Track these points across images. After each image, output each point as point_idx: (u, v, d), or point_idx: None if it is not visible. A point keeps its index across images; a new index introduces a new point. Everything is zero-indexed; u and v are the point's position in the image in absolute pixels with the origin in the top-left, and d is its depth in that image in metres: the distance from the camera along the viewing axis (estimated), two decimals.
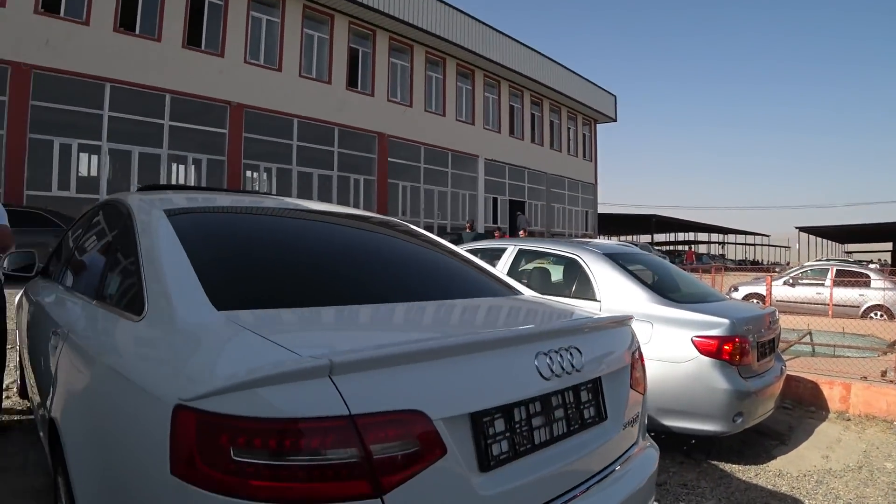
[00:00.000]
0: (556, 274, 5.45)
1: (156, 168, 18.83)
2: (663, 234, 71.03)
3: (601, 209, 40.70)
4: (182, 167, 20.19)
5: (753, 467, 4.45)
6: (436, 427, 1.47)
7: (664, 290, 4.90)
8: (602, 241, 6.40)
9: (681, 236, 74.53)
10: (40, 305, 3.10)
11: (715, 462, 4.49)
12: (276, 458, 1.29)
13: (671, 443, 4.46)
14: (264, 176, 22.22)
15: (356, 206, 23.47)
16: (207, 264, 1.97)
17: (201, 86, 19.53)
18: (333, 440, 1.33)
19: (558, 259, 5.40)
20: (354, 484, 1.34)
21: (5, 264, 3.66)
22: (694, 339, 4.22)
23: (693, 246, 69.40)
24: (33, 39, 16.90)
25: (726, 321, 4.26)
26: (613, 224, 54.10)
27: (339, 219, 3.14)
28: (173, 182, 20.34)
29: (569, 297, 4.83)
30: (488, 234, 15.39)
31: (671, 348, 4.26)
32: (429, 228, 25.12)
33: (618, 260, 4.98)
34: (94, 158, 18.42)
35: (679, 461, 4.46)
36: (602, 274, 4.84)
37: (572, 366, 1.89)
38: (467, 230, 16.42)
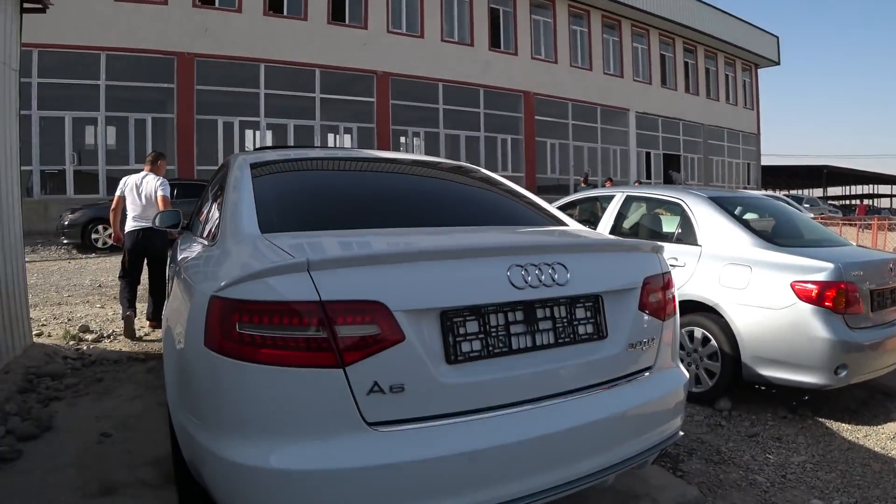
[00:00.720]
0: (662, 219, 5.30)
1: (310, 139, 18.98)
2: (838, 188, 62.76)
3: (765, 161, 36.37)
4: (336, 136, 20.15)
5: (864, 428, 4.06)
6: (395, 317, 1.74)
7: (775, 235, 4.64)
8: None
9: (857, 189, 65.47)
10: (174, 250, 3.74)
11: (823, 419, 4.17)
12: (264, 331, 1.70)
13: (778, 396, 4.38)
14: (414, 140, 21.69)
15: (504, 166, 22.46)
16: (267, 202, 2.43)
17: (348, 58, 19.46)
18: (306, 320, 1.69)
19: (663, 204, 5.22)
20: (323, 355, 1.69)
21: (157, 222, 4.19)
22: (793, 284, 3.94)
23: (874, 200, 60.71)
24: (194, 30, 17.58)
25: (830, 266, 3.91)
26: (779, 176, 48.33)
27: (398, 164, 3.44)
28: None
29: (671, 241, 4.66)
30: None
31: (769, 294, 4.02)
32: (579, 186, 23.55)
33: (723, 203, 4.72)
34: (255, 133, 18.82)
35: (782, 415, 4.22)
36: (704, 217, 4.62)
37: (553, 279, 1.99)
38: (583, 184, 14.97)
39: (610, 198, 5.51)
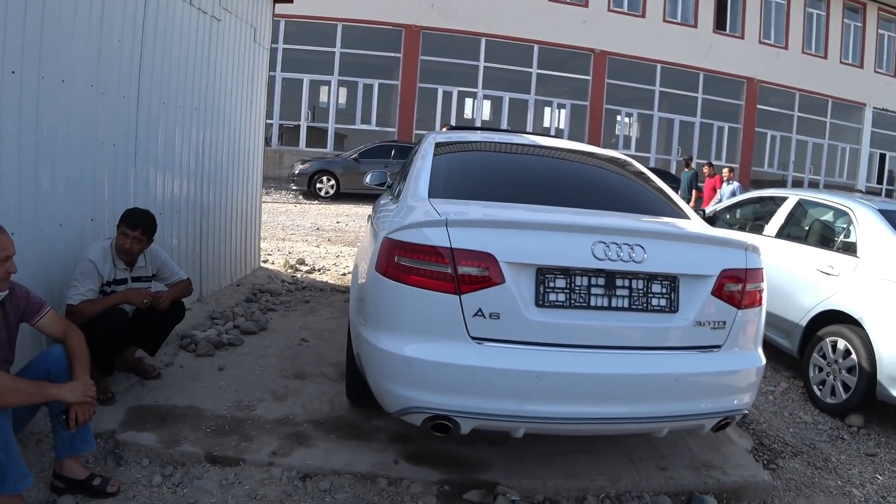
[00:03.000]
0: (828, 227, 4.92)
1: (524, 113, 18.26)
2: None
3: None
4: (549, 110, 19.20)
5: None
6: (500, 266, 2.29)
7: None
8: None
9: None
10: (375, 204, 4.21)
11: None
12: (413, 263, 2.32)
13: None
14: (626, 120, 20.10)
15: (718, 154, 20.14)
16: (438, 173, 3.02)
17: (566, 35, 18.45)
18: (441, 259, 2.29)
19: (832, 211, 4.87)
20: (447, 285, 2.28)
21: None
22: None
23: None
24: (422, 4, 17.56)
25: None
26: None
27: (554, 150, 3.80)
28: (544, 125, 19.62)
29: (832, 249, 4.50)
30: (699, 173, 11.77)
31: None
32: (797, 184, 20.52)
33: (892, 217, 4.28)
34: (473, 102, 18.45)
35: None
36: (867, 229, 4.28)
37: (630, 257, 2.36)
38: (686, 169, 12.81)
39: (784, 199, 5.31)
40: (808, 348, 4.34)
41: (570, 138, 18.95)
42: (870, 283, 4.00)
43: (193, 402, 3.14)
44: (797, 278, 4.58)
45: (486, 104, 18.45)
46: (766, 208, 5.49)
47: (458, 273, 2.27)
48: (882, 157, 23.49)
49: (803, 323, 4.40)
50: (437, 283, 2.29)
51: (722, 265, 2.52)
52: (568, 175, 3.46)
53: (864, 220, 4.34)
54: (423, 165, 3.11)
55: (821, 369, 4.22)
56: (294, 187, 14.11)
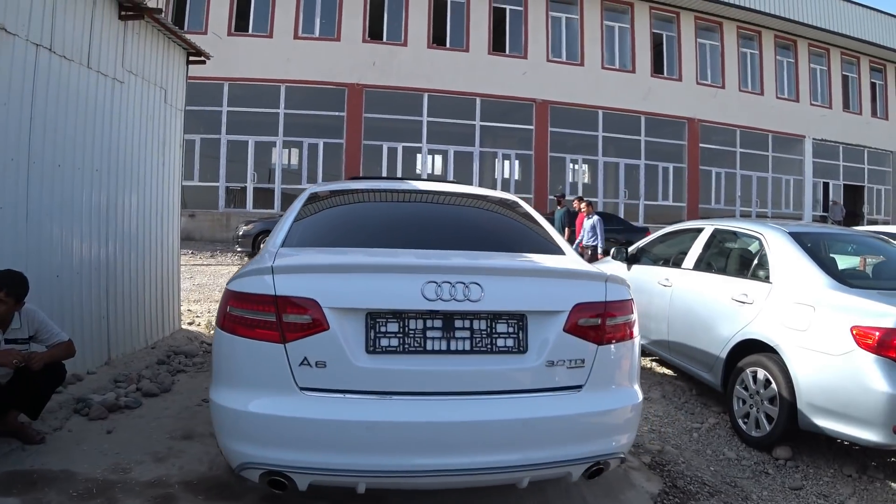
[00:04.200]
0: (742, 254, 4.91)
1: (470, 165, 18.44)
2: None
3: None
4: (497, 162, 19.34)
5: None
6: (324, 312, 2.22)
7: (862, 277, 4.49)
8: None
9: None
10: None
11: (890, 482, 3.67)
12: (242, 313, 2.30)
13: (857, 453, 3.93)
14: (572, 167, 20.30)
15: (665, 195, 20.57)
16: (301, 224, 2.97)
17: (508, 87, 18.81)
18: (265, 307, 2.25)
19: (744, 238, 4.89)
20: (272, 334, 2.23)
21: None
22: (853, 328, 3.45)
23: None
24: (363, 63, 17.83)
25: None
26: None
27: (433, 195, 3.71)
28: (494, 176, 19.79)
29: (746, 277, 4.43)
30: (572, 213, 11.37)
31: (828, 338, 3.58)
32: (745, 216, 20.81)
33: (803, 239, 4.28)
34: (417, 157, 18.52)
35: (847, 474, 3.74)
36: (778, 253, 4.22)
37: (465, 296, 2.27)
38: (558, 207, 12.58)
39: (700, 230, 5.27)
40: (731, 381, 4.23)
41: (518, 188, 19.15)
42: (783, 309, 3.92)
43: (69, 467, 3.07)
44: (715, 309, 4.52)
45: (430, 158, 18.49)
46: (685, 241, 5.46)
47: (282, 321, 2.22)
48: (825, 185, 24.05)
49: (723, 355, 4.31)
50: (263, 333, 2.24)
51: (575, 299, 2.41)
52: (436, 218, 3.38)
53: (775, 245, 4.29)
54: (288, 216, 3.06)
55: (744, 402, 4.10)
56: (239, 249, 13.98)
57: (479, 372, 2.30)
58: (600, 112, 19.87)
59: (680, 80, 21.07)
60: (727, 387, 4.29)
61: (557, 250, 2.95)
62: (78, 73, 4.56)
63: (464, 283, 2.27)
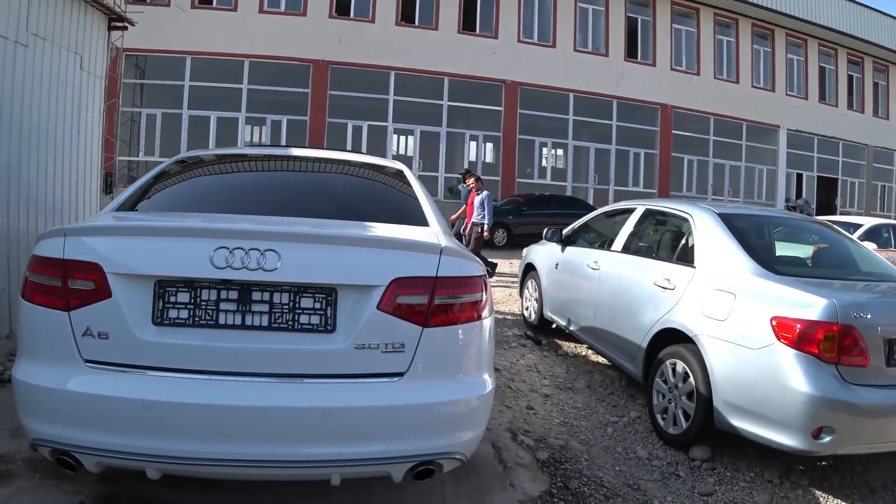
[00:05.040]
0: (669, 236, 4.62)
1: (437, 145, 18.20)
2: None
3: None
4: (466, 143, 19.04)
5: None
6: (107, 278, 2.03)
7: (796, 263, 4.18)
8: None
9: None
10: None
11: (821, 493, 3.28)
12: (35, 278, 2.12)
13: (785, 457, 3.40)
14: (542, 150, 20.05)
15: (635, 181, 20.44)
16: (146, 189, 2.81)
17: (477, 67, 18.57)
18: (53, 272, 2.08)
19: (673, 219, 4.58)
20: (57, 301, 2.06)
21: None
22: (773, 319, 3.13)
23: None
24: (329, 40, 17.52)
25: (823, 301, 3.02)
26: None
27: (307, 162, 3.47)
28: (470, 157, 19.42)
29: (671, 261, 4.15)
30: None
31: (747, 329, 3.27)
32: None
33: (732, 221, 3.97)
34: (383, 135, 18.21)
35: (768, 479, 3.38)
36: (705, 235, 3.95)
37: (259, 265, 2.02)
38: (463, 185, 11.84)
39: (632, 211, 5.00)
40: (651, 372, 3.95)
41: (488, 170, 18.89)
42: (703, 296, 3.62)
43: None
44: (638, 295, 4.25)
45: (396, 138, 18.22)
46: (618, 222, 5.19)
47: (67, 287, 2.06)
48: (799, 176, 24.01)
49: (644, 344, 4.03)
50: (50, 300, 2.08)
51: (394, 273, 2.12)
52: (298, 186, 3.14)
53: (702, 226, 4.00)
54: (139, 180, 2.92)
55: (663, 396, 3.82)
56: None
57: (277, 351, 2.05)
58: (571, 95, 19.67)
59: (654, 65, 20.89)
60: (648, 379, 4.03)
61: (422, 222, 2.66)
62: None
63: (258, 250, 2.03)
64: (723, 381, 3.32)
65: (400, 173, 3.30)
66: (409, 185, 3.10)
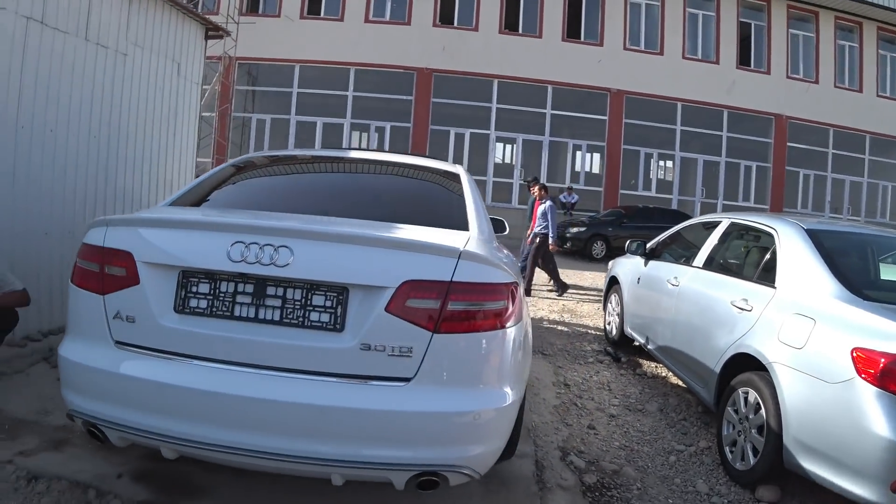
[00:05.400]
0: (753, 252, 4.20)
1: (539, 153, 17.88)
2: None
3: None
4: (568, 152, 18.59)
5: None
6: (137, 266, 2.18)
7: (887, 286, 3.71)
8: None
9: None
10: None
11: None
12: (82, 264, 2.32)
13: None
14: (647, 161, 19.32)
15: (746, 195, 19.28)
16: (200, 187, 2.99)
17: (581, 75, 18.16)
18: (94, 258, 2.26)
19: (758, 233, 4.17)
20: (96, 285, 2.23)
21: None
22: (853, 350, 2.72)
23: None
24: (432, 48, 17.66)
25: None
26: None
27: (356, 164, 3.61)
28: (564, 167, 18.97)
29: (751, 280, 3.80)
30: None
31: (823, 359, 2.88)
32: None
33: (822, 239, 3.56)
34: (484, 143, 18.02)
35: None
36: (789, 253, 3.58)
37: (272, 260, 2.06)
38: (531, 192, 9.94)
39: (716, 224, 4.69)
40: (723, 400, 3.60)
41: (590, 180, 18.34)
42: (780, 319, 3.26)
43: (5, 405, 3.25)
44: (715, 315, 3.92)
45: (500, 146, 18.02)
46: (701, 236, 4.84)
47: (104, 272, 2.23)
48: None
49: (717, 369, 3.69)
50: (90, 283, 2.26)
51: (405, 276, 2.06)
52: (342, 186, 3.23)
53: (786, 242, 3.65)
54: (197, 180, 3.12)
55: (733, 427, 3.46)
56: None
57: (286, 346, 2.06)
58: (679, 104, 18.87)
59: (768, 73, 19.74)
60: (719, 407, 3.67)
61: (462, 226, 2.57)
62: (74, 46, 4.78)
63: (272, 246, 2.08)
64: (794, 417, 2.95)
65: (454, 176, 3.24)
66: (461, 188, 3.04)
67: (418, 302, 2.06)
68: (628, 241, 5.89)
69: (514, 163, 18.18)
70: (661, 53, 18.90)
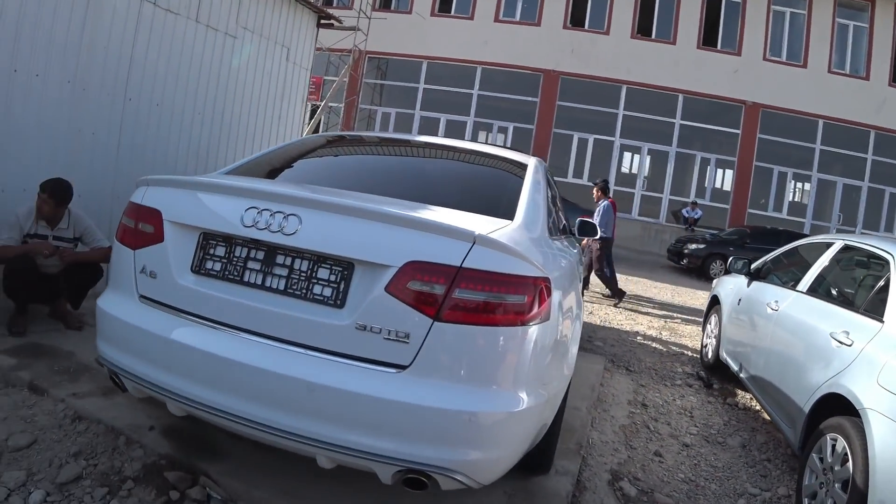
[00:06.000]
0: (862, 278, 3.71)
1: (664, 163, 17.26)
2: None
3: None
4: (696, 165, 17.83)
5: None
6: (164, 224, 2.25)
7: None
8: None
9: None
10: None
11: None
12: (124, 220, 2.41)
13: None
14: (781, 181, 18.16)
15: (888, 225, 17.68)
16: (263, 159, 3.09)
17: (715, 85, 17.36)
18: (133, 215, 2.36)
19: (870, 257, 3.68)
20: (131, 240, 2.33)
21: None
22: None
23: None
24: (561, 50, 17.43)
25: None
26: None
27: (413, 147, 3.57)
28: (689, 179, 18.18)
29: (857, 310, 3.28)
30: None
31: None
32: None
33: None
34: (608, 150, 17.57)
35: None
36: None
37: (281, 227, 2.03)
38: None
39: (828, 245, 4.23)
40: (809, 444, 3.12)
41: (716, 196, 17.49)
42: (884, 359, 2.77)
43: (74, 350, 3.56)
44: (809, 347, 3.45)
45: (632, 155, 17.53)
46: (811, 257, 4.36)
47: (137, 228, 2.31)
48: None
49: (806, 409, 3.21)
50: (126, 238, 2.35)
51: (410, 255, 1.93)
52: (394, 167, 3.23)
53: None
54: (259, 153, 3.23)
55: (816, 476, 2.99)
56: None
57: (286, 317, 2.01)
58: (820, 122, 17.65)
59: None
60: (804, 451, 3.18)
61: (507, 216, 2.41)
62: (185, 26, 5.08)
63: (283, 213, 2.05)
64: (884, 476, 2.44)
65: (521, 166, 3.04)
66: (523, 178, 2.84)
67: (421, 285, 1.91)
68: (731, 259, 5.32)
69: (637, 172, 17.61)
70: (804, 66, 17.73)
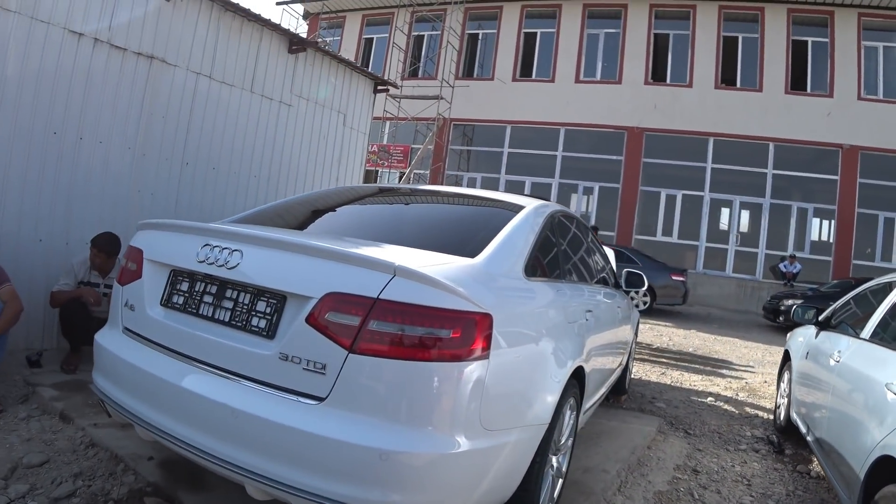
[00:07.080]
0: None
1: (758, 216, 16.88)
2: None
3: None
4: (792, 216, 17.23)
5: None
6: (144, 262, 2.53)
7: None
8: None
9: None
10: None
11: None
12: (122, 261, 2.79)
13: None
14: (884, 227, 17.17)
15: None
16: (273, 207, 3.41)
17: (807, 130, 16.84)
18: (126, 255, 2.71)
19: None
20: (121, 276, 2.65)
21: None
22: None
23: None
24: (644, 106, 17.56)
25: None
26: None
27: (417, 196, 3.75)
28: (786, 231, 17.47)
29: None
30: None
31: None
32: None
33: None
34: (698, 205, 17.39)
35: None
36: None
37: (225, 262, 2.20)
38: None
39: (893, 285, 3.70)
40: None
41: (817, 249, 16.77)
42: None
43: None
44: (866, 401, 2.93)
45: (728, 211, 17.22)
46: (877, 300, 3.85)
47: (127, 267, 2.61)
48: None
49: (861, 473, 2.67)
50: (120, 276, 2.66)
51: (329, 287, 1.96)
52: (379, 213, 3.40)
53: None
54: (268, 204, 3.55)
55: None
56: None
57: (226, 347, 2.13)
58: None
59: None
60: None
61: (472, 254, 2.36)
62: (240, 97, 5.59)
63: (229, 249, 2.22)
64: None
65: (515, 209, 2.95)
66: (508, 220, 2.75)
67: (337, 316, 1.91)
68: (796, 307, 4.94)
69: (728, 227, 17.25)
70: None
